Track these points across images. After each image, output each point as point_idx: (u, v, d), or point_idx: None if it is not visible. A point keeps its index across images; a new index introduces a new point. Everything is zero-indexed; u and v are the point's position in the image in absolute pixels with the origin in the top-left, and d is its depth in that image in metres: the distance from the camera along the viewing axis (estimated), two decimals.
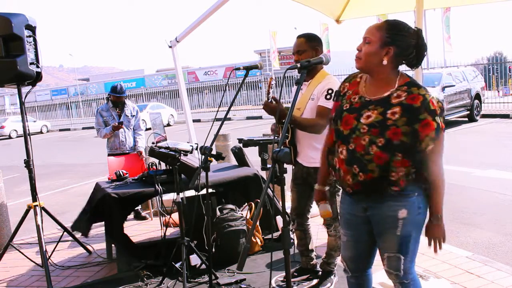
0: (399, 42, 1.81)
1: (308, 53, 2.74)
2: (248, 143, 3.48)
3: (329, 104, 2.66)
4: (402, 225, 1.84)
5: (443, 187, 1.82)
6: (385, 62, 1.82)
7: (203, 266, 3.33)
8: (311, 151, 2.77)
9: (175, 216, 4.35)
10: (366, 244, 2.03)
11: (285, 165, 1.83)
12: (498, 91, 18.66)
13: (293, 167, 2.97)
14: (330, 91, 2.67)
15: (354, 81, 2.00)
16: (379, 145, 1.77)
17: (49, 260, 3.61)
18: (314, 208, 3.08)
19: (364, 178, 1.82)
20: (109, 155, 4.98)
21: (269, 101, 2.64)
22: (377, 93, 1.86)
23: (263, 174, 4.06)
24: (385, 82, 1.86)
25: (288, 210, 3.50)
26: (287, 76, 23.59)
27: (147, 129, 6.70)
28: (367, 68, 1.89)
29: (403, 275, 1.92)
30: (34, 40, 3.54)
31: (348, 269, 2.13)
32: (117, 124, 4.80)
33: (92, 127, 19.58)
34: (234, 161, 4.69)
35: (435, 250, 1.90)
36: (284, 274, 3.04)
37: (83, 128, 26.26)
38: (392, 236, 1.88)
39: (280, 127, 2.75)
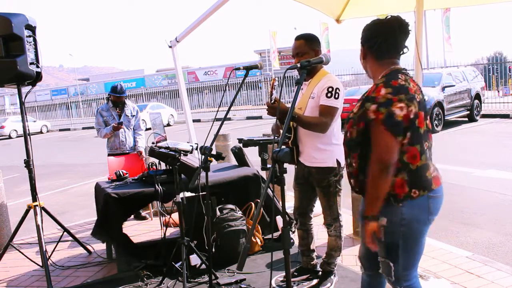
0: (364, 38, 1.89)
1: (308, 55, 2.74)
2: (248, 143, 3.48)
3: (331, 102, 2.66)
4: (384, 232, 1.81)
5: (373, 188, 1.74)
6: (362, 62, 1.94)
7: (203, 266, 3.33)
8: (313, 151, 2.77)
9: (175, 216, 4.35)
10: None
11: (286, 165, 1.83)
12: (498, 91, 18.67)
13: (295, 166, 2.97)
14: (330, 89, 2.67)
15: None
16: (345, 139, 1.90)
17: (49, 260, 3.61)
18: (316, 208, 3.08)
19: (350, 171, 1.92)
20: (109, 155, 4.98)
21: (271, 102, 2.65)
22: None
23: (263, 174, 4.06)
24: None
25: (290, 210, 3.50)
26: (287, 76, 23.63)
27: (147, 129, 6.71)
28: (368, 74, 1.97)
29: (395, 281, 1.90)
30: (34, 40, 3.54)
31: (362, 266, 2.16)
32: (117, 124, 4.80)
33: (92, 127, 19.59)
34: (234, 161, 4.69)
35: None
36: (284, 274, 3.04)
37: (83, 128, 26.26)
38: (379, 242, 1.87)
39: (281, 126, 2.75)
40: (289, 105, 2.21)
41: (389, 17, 1.87)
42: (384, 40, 1.83)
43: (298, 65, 1.99)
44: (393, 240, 1.82)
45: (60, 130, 27.69)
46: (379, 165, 1.71)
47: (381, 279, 2.14)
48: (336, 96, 2.67)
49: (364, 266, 2.14)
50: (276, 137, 2.78)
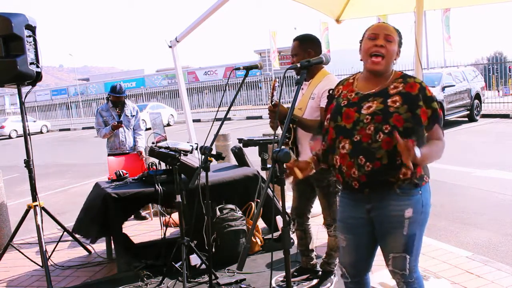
0: (401, 44, 1.97)
1: (299, 56, 2.75)
2: (248, 143, 3.48)
3: None
4: (408, 224, 1.85)
5: (440, 148, 1.87)
6: (396, 61, 1.95)
7: (203, 266, 3.33)
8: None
9: (175, 216, 4.35)
10: (366, 248, 2.02)
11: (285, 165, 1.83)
12: (498, 91, 18.65)
13: None
14: (331, 91, 2.67)
15: (348, 82, 2.06)
16: (385, 131, 1.80)
17: (49, 260, 3.61)
18: (314, 208, 3.08)
19: (372, 167, 1.81)
20: (109, 155, 4.98)
21: (272, 104, 2.65)
22: (373, 88, 1.93)
23: (263, 174, 4.06)
24: (379, 79, 1.93)
25: (289, 210, 3.50)
26: (287, 76, 23.59)
27: (147, 129, 6.71)
28: (387, 68, 1.92)
29: (409, 274, 1.92)
30: (34, 40, 3.54)
31: (347, 275, 2.09)
32: (116, 123, 4.80)
33: (92, 127, 19.54)
34: (234, 161, 4.69)
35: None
36: (284, 274, 3.04)
37: (83, 128, 26.26)
38: (399, 236, 1.87)
39: (281, 125, 2.75)
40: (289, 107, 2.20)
41: None
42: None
43: (298, 65, 1.99)
44: (414, 230, 1.87)
45: (60, 130, 27.68)
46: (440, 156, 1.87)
47: (366, 281, 2.13)
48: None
49: (351, 274, 2.07)
50: (276, 137, 2.78)
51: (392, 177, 1.82)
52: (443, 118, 1.94)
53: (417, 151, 1.66)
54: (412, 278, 1.94)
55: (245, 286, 3.11)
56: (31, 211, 3.56)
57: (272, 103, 2.67)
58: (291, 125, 2.77)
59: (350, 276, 2.08)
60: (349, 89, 2.01)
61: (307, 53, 2.75)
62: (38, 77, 3.57)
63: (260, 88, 31.38)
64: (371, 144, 1.81)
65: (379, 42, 1.86)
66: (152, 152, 3.25)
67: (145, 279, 3.25)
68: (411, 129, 1.80)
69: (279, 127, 2.73)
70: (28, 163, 3.56)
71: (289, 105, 2.05)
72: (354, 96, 1.95)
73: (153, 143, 3.53)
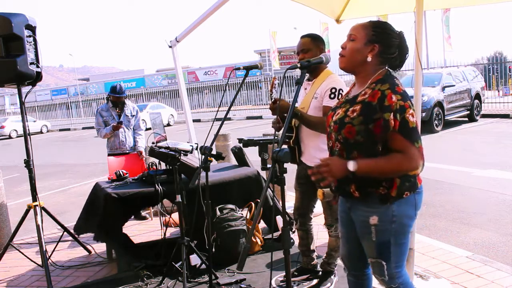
0: (383, 41, 1.82)
1: (312, 51, 2.74)
2: (248, 143, 3.48)
3: (333, 103, 2.66)
4: (376, 231, 1.82)
5: (395, 162, 1.72)
6: (369, 59, 1.82)
7: (203, 266, 3.33)
8: (315, 151, 2.77)
9: (175, 216, 4.35)
10: (356, 243, 2.01)
11: (287, 165, 1.83)
12: (498, 91, 18.66)
13: (298, 166, 2.97)
14: (333, 90, 2.67)
15: (354, 83, 2.04)
16: (341, 141, 1.83)
17: (49, 260, 3.61)
18: (316, 208, 3.08)
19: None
20: (109, 155, 4.98)
21: (272, 102, 2.65)
22: (357, 91, 1.90)
23: (263, 174, 4.06)
24: (360, 80, 1.89)
25: (290, 210, 3.50)
26: (287, 76, 23.62)
27: (147, 129, 6.71)
28: (350, 66, 1.88)
29: (389, 280, 1.89)
30: (34, 40, 3.54)
31: (346, 267, 2.14)
32: (116, 123, 4.80)
33: (92, 127, 19.56)
34: (234, 161, 4.69)
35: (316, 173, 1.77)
36: (284, 274, 3.04)
37: (83, 128, 26.26)
38: (369, 242, 1.86)
39: (281, 121, 2.73)
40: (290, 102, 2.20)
41: (403, 32, 1.88)
42: (400, 55, 1.86)
43: (298, 65, 1.99)
44: (384, 238, 1.83)
45: (60, 130, 27.69)
46: (401, 170, 1.74)
47: (367, 277, 2.13)
48: (340, 97, 2.67)
49: (348, 266, 2.12)
50: (276, 137, 2.78)
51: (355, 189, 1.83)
52: (413, 129, 1.73)
53: (351, 165, 1.69)
54: (395, 284, 1.90)
55: (245, 286, 3.11)
56: (31, 211, 3.56)
57: (272, 100, 2.67)
58: (293, 124, 2.77)
59: (348, 268, 2.13)
60: (348, 91, 2.03)
61: (319, 49, 2.75)
62: (38, 77, 3.57)
63: (260, 88, 31.38)
64: (334, 150, 1.88)
65: (343, 44, 1.89)
66: (152, 152, 3.25)
67: (145, 279, 3.24)
68: (363, 144, 1.74)
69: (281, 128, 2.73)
70: (28, 163, 3.56)
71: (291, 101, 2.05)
72: (342, 100, 1.98)
73: (153, 143, 3.53)
